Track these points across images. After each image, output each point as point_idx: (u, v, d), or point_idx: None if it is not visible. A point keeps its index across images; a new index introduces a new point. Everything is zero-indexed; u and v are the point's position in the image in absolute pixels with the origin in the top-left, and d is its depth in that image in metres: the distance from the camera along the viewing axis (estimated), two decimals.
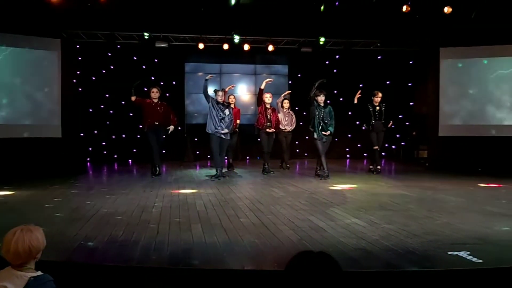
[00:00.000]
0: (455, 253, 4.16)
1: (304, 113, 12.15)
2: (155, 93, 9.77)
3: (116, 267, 3.90)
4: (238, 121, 10.76)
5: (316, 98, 9.44)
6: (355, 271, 3.80)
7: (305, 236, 4.80)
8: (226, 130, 9.33)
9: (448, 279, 3.69)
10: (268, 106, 10.29)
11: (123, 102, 13.20)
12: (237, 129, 10.97)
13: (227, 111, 9.38)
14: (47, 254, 2.79)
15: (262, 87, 10.28)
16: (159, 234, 4.94)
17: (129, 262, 4.02)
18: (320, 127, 9.41)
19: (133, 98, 9.77)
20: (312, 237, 4.77)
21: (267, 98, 10.29)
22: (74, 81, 11.84)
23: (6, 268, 2.69)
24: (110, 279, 3.80)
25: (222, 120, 9.28)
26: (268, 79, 10.57)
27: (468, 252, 4.14)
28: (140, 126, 11.01)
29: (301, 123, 12.45)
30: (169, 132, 9.93)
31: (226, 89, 10.14)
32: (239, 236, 4.84)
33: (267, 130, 10.30)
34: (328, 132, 9.47)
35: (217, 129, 9.27)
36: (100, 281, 3.80)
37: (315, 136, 9.44)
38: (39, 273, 2.69)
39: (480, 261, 3.92)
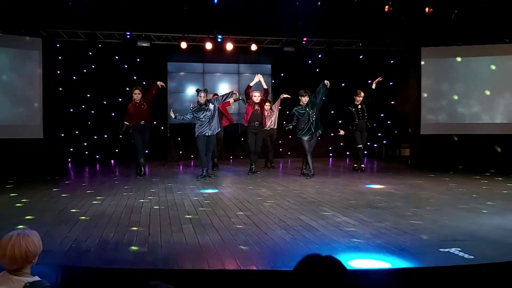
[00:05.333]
0: (446, 249, 4.23)
1: (288, 112, 12.19)
2: (137, 95, 9.68)
3: (111, 269, 3.86)
4: (239, 95, 10.34)
5: (299, 98, 9.49)
6: (350, 269, 3.83)
7: (298, 235, 4.82)
8: (213, 129, 9.28)
9: (442, 276, 3.75)
10: (256, 106, 10.21)
11: (105, 102, 13.06)
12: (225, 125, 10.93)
13: (211, 106, 9.29)
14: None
15: (251, 84, 10.18)
16: (151, 235, 4.90)
17: (123, 264, 3.98)
18: (310, 128, 9.42)
19: (127, 122, 9.74)
20: (305, 236, 4.80)
21: (256, 97, 10.19)
22: (55, 80, 11.64)
23: (1, 272, 2.65)
24: (105, 282, 3.76)
25: (210, 121, 9.21)
26: (261, 78, 10.18)
27: (459, 249, 4.22)
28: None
29: (284, 122, 12.50)
30: (160, 86, 9.83)
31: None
32: (232, 236, 4.83)
33: (254, 130, 10.20)
34: (319, 132, 9.55)
35: (204, 132, 9.23)
36: (95, 284, 3.75)
37: (305, 138, 9.47)
38: (36, 278, 2.64)
39: (472, 257, 4.00)
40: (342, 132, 10.47)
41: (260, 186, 8.41)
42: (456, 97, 11.74)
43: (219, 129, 9.80)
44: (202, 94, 9.24)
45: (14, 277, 2.59)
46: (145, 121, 9.63)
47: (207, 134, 9.25)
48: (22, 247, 2.56)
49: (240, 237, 4.76)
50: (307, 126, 9.39)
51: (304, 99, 9.44)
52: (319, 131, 9.53)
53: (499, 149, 11.15)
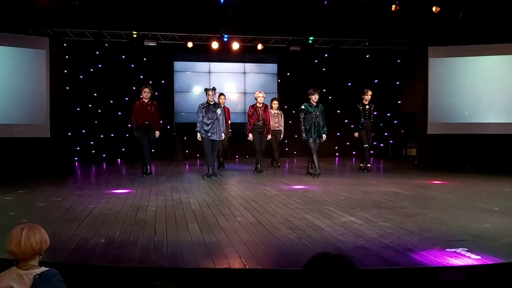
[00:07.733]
0: (453, 249, 4.21)
1: (294, 111, 12.20)
2: (146, 93, 9.70)
3: (117, 268, 3.87)
4: (229, 121, 10.82)
5: (309, 97, 9.49)
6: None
7: (304, 235, 4.81)
8: (219, 134, 9.30)
9: (448, 276, 3.74)
10: (260, 105, 10.21)
11: (112, 101, 13.11)
12: (230, 130, 11.05)
13: (219, 111, 9.34)
14: (44, 255, 2.78)
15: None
16: (157, 234, 4.92)
17: (129, 262, 3.99)
18: (314, 130, 9.41)
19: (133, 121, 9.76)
20: (310, 235, 4.79)
21: (260, 97, 10.19)
22: (62, 80, 11.69)
23: (9, 268, 2.68)
24: (111, 280, 3.77)
25: (215, 122, 9.21)
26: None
27: (466, 249, 4.20)
28: (129, 125, 10.94)
29: (290, 122, 12.51)
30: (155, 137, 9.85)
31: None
32: (237, 235, 4.83)
33: (259, 129, 10.20)
34: (324, 136, 9.55)
35: (208, 133, 9.23)
36: (101, 282, 3.77)
37: (310, 140, 9.46)
38: (44, 268, 2.70)
39: (478, 257, 3.99)
40: (356, 135, 10.47)
41: (265, 186, 8.41)
42: (463, 97, 11.66)
43: (224, 132, 9.75)
44: (211, 93, 9.29)
45: (22, 272, 2.65)
46: (150, 121, 9.63)
47: (212, 138, 9.27)
48: (37, 235, 2.69)
49: (246, 237, 4.76)
50: (311, 128, 9.39)
51: (314, 97, 9.46)
52: (323, 137, 9.52)
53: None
